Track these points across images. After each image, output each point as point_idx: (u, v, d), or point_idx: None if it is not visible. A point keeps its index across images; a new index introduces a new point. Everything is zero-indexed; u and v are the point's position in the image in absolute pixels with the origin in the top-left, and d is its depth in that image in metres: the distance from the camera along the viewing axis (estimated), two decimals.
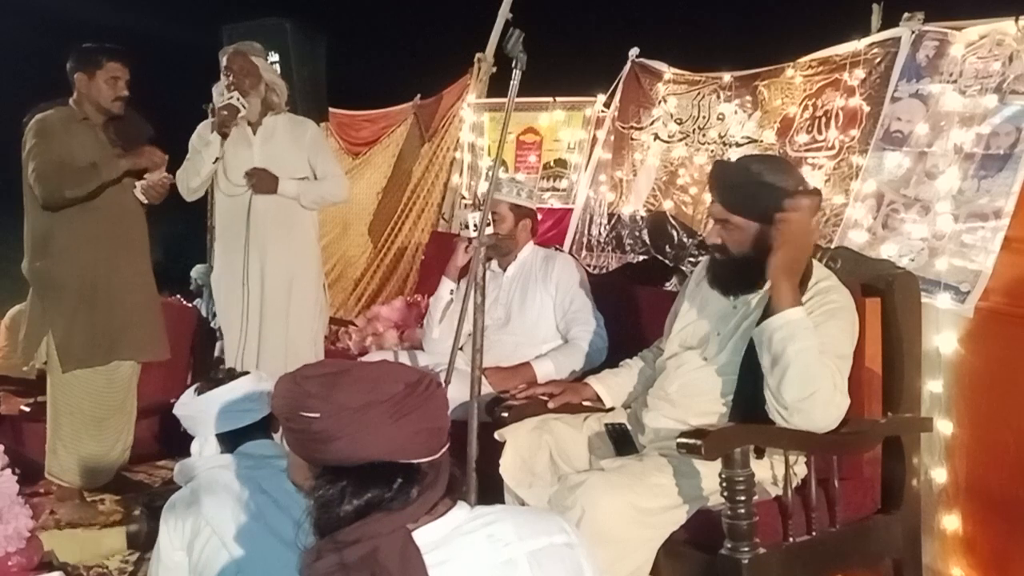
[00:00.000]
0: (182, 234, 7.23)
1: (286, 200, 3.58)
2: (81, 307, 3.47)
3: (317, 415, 1.22)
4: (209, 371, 3.53)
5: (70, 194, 3.40)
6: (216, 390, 2.19)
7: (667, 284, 3.89)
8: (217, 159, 3.53)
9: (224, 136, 3.48)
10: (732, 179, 2.36)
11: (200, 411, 2.19)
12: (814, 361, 2.10)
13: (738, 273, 2.34)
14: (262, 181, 3.53)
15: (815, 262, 2.36)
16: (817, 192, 2.44)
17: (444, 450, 1.29)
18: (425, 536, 1.22)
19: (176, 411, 2.25)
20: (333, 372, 1.28)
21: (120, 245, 3.56)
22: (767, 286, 2.24)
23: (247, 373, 2.28)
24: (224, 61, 3.55)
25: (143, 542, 3.13)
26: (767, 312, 2.19)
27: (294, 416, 1.25)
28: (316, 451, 1.25)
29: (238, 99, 3.43)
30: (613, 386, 2.73)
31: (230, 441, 2.18)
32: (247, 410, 2.18)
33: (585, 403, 2.73)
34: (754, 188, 2.28)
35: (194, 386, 2.25)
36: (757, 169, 2.31)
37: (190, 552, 1.95)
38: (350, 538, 1.20)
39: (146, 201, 3.62)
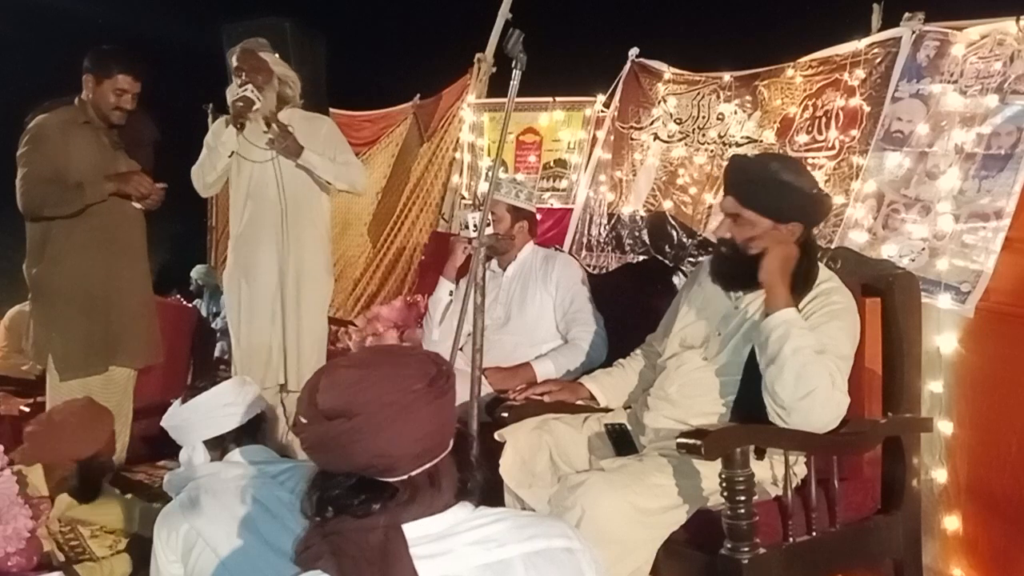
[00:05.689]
0: (182, 234, 7.24)
1: (307, 192, 3.55)
2: (78, 315, 3.45)
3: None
4: (209, 371, 3.51)
5: (49, 212, 3.38)
6: (199, 396, 2.18)
7: (667, 284, 3.88)
8: (233, 152, 3.46)
9: (240, 128, 3.41)
10: (749, 174, 2.36)
11: (185, 419, 2.18)
12: (810, 361, 2.10)
13: (742, 269, 2.33)
14: (289, 143, 3.44)
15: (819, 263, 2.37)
16: (828, 198, 2.45)
17: (425, 466, 1.24)
18: (419, 530, 1.21)
19: (164, 423, 2.24)
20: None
21: (117, 251, 3.54)
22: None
23: (229, 378, 2.27)
24: (234, 61, 3.49)
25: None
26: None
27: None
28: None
29: (252, 91, 3.37)
30: (607, 386, 2.74)
31: (218, 447, 2.17)
32: (231, 414, 2.17)
33: (579, 402, 2.73)
34: (771, 186, 2.29)
35: (179, 398, 2.24)
36: (775, 167, 2.32)
37: (185, 563, 1.94)
38: (330, 529, 1.20)
39: (141, 208, 3.61)
